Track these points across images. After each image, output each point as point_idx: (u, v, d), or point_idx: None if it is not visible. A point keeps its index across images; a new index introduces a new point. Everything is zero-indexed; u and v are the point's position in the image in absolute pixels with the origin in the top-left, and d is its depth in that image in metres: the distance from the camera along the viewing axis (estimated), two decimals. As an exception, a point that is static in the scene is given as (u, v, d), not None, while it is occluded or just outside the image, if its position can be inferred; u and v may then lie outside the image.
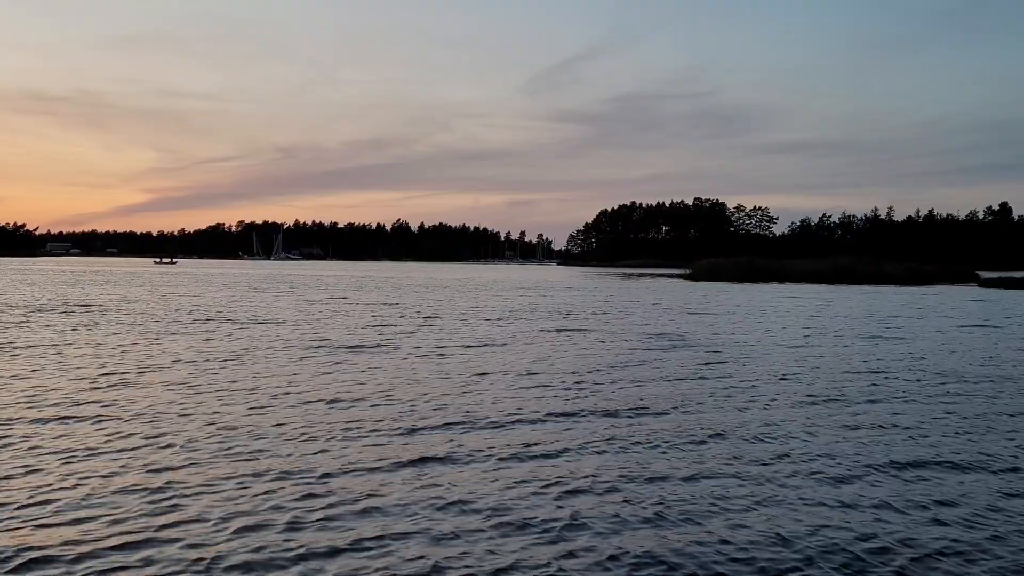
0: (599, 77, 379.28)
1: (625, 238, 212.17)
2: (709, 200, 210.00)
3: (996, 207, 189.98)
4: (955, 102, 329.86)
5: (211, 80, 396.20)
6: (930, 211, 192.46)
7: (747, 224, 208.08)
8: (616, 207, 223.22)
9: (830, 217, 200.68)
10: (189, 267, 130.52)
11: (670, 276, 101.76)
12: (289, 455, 9.46)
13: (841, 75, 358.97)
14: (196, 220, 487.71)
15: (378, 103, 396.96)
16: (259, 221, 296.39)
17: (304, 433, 10.58)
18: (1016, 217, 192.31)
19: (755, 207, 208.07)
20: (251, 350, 19.70)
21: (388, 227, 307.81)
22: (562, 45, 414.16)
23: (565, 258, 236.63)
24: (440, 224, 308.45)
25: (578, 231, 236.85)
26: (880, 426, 11.86)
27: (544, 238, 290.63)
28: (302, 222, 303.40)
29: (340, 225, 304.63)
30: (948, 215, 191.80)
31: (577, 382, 15.44)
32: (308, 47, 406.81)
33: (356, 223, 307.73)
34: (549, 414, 12.25)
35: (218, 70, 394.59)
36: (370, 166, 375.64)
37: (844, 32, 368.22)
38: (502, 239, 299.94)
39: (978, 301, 49.74)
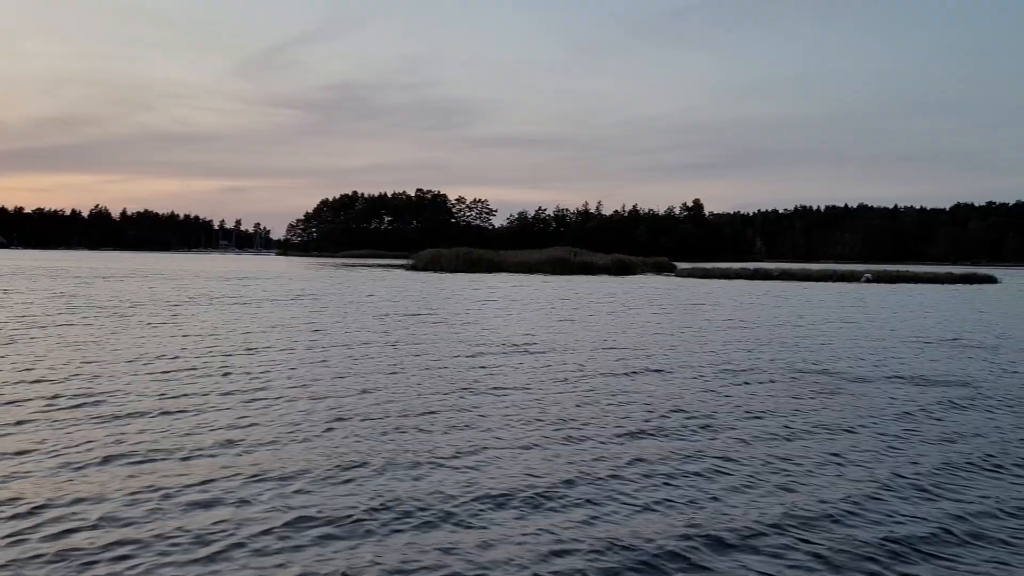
0: (317, 63, 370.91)
1: (348, 228, 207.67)
2: (431, 191, 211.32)
3: (691, 204, 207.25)
4: (658, 104, 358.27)
5: None
6: (634, 206, 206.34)
7: (468, 216, 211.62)
8: (338, 196, 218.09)
9: (545, 210, 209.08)
10: None
11: (392, 266, 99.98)
12: None
13: (556, 73, 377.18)
14: None
15: (70, 78, 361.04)
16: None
17: None
18: (708, 213, 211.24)
19: (475, 199, 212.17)
20: None
21: (85, 213, 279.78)
22: (277, 28, 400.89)
23: (285, 248, 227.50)
24: (146, 211, 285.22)
25: (298, 220, 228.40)
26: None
27: (262, 227, 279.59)
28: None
29: (27, 210, 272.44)
30: (650, 210, 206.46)
31: (193, 363, 16.12)
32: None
33: (47, 208, 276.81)
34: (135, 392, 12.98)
35: None
36: (61, 146, 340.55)
37: (559, 32, 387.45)
38: (216, 228, 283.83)
39: (658, 288, 52.27)
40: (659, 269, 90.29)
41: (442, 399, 13.00)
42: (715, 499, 8.10)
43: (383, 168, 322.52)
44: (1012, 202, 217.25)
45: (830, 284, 65.59)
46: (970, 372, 17.33)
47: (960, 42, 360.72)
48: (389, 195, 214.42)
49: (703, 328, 26.48)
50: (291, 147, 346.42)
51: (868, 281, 68.88)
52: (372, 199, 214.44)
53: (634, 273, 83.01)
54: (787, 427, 11.45)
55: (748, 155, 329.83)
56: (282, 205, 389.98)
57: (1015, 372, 17.57)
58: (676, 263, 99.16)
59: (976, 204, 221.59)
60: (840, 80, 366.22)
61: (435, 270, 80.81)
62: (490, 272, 78.03)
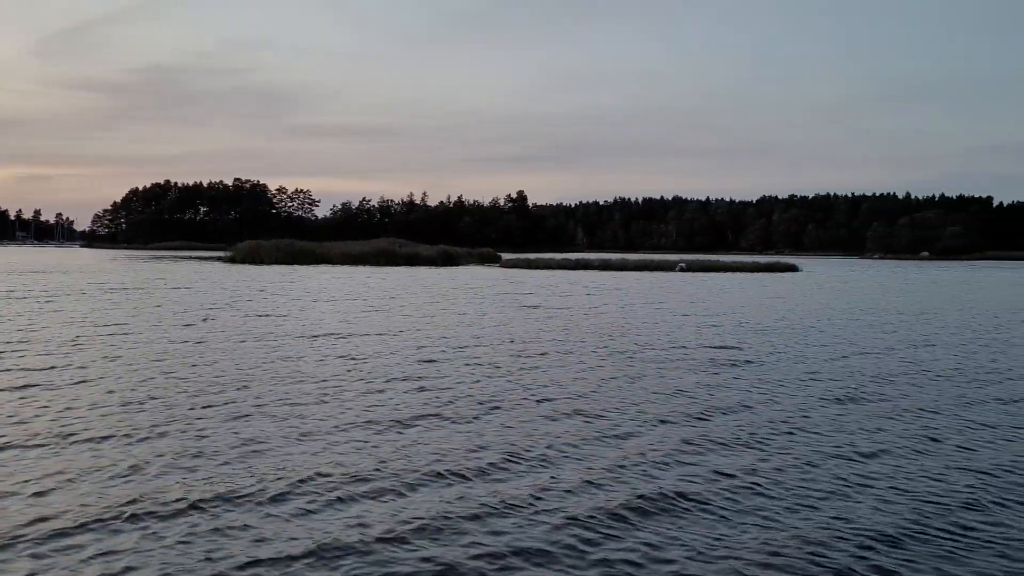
0: (125, 44, 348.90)
1: (159, 219, 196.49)
2: (250, 181, 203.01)
3: (515, 195, 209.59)
4: (483, 96, 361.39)
5: None
6: (459, 198, 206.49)
7: (289, 206, 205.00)
8: (149, 185, 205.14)
9: (370, 201, 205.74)
10: None
11: (207, 259, 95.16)
12: None
13: (380, 64, 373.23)
14: None
15: None
16: None
17: None
18: (531, 205, 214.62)
19: (297, 189, 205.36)
20: None
21: None
22: (81, 5, 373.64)
23: (90, 240, 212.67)
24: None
25: (105, 211, 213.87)
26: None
27: (65, 218, 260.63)
28: None
29: None
30: (475, 202, 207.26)
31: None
32: None
33: None
34: None
35: None
36: None
37: (386, 21, 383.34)
38: (12, 219, 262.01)
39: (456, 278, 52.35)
40: (484, 260, 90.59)
41: (233, 388, 13.17)
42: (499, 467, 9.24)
43: (199, 156, 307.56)
44: (811, 195, 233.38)
45: (646, 273, 67.76)
46: (742, 349, 19.58)
47: (762, 43, 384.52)
48: (205, 184, 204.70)
49: (516, 317, 27.15)
50: (98, 133, 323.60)
51: (682, 270, 71.69)
52: (186, 188, 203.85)
53: (459, 264, 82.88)
54: (568, 402, 12.80)
55: (569, 148, 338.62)
56: (87, 195, 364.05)
57: (779, 343, 20.72)
58: (501, 254, 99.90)
59: (780, 197, 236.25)
60: (655, 76, 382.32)
61: (254, 263, 77.61)
62: (314, 264, 75.82)
